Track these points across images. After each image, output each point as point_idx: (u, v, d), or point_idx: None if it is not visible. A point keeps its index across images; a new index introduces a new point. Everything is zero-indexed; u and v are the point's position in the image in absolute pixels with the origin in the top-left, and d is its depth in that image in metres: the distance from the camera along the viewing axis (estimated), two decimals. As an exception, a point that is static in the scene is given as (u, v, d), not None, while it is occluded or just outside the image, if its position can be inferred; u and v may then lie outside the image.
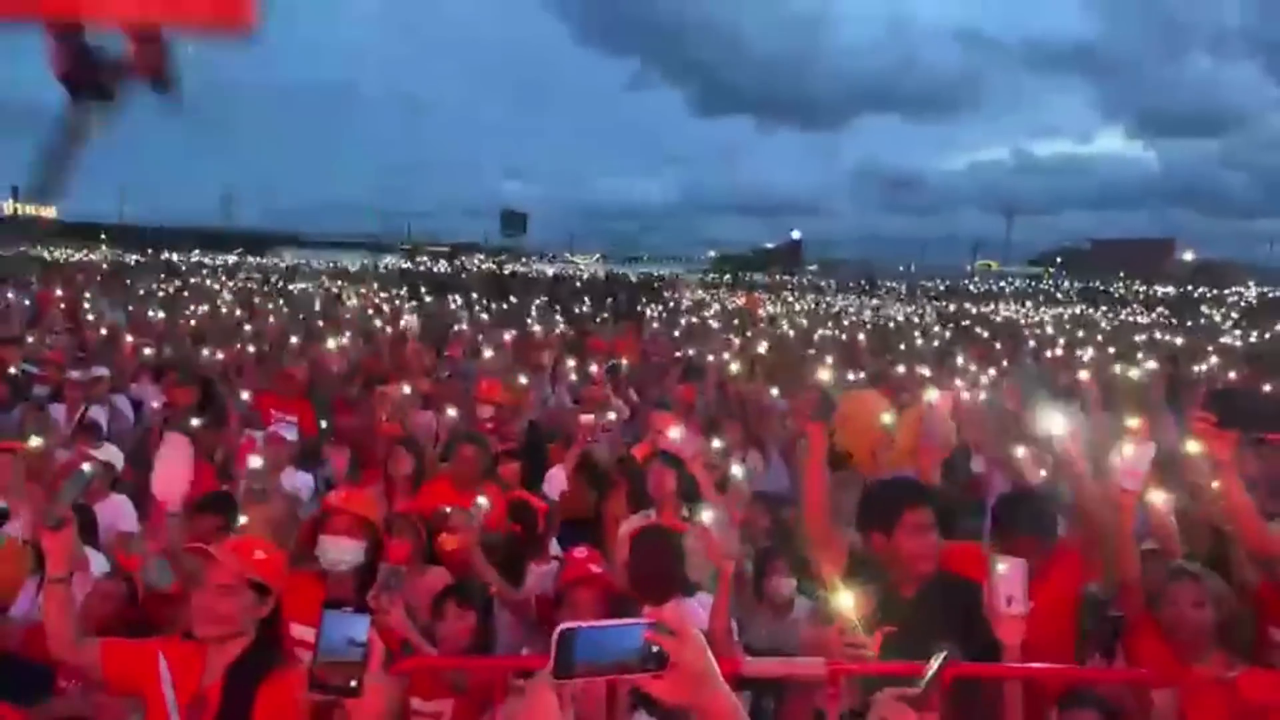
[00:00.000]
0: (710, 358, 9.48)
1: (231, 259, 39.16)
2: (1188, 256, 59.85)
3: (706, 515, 3.00)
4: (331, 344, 9.16)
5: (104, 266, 30.82)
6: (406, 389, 6.75)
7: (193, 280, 25.06)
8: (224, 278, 28.11)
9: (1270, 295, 33.45)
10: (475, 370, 8.64)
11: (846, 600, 2.51)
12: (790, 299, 33.76)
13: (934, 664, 1.76)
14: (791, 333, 15.80)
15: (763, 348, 11.08)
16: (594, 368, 8.76)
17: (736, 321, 18.54)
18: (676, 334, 14.69)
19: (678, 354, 11.08)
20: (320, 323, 12.93)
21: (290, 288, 24.53)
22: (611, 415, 6.88)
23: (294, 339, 9.56)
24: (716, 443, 5.34)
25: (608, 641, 1.31)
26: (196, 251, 40.09)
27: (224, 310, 15.01)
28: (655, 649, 1.29)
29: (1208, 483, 3.99)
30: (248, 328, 11.43)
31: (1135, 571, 3.27)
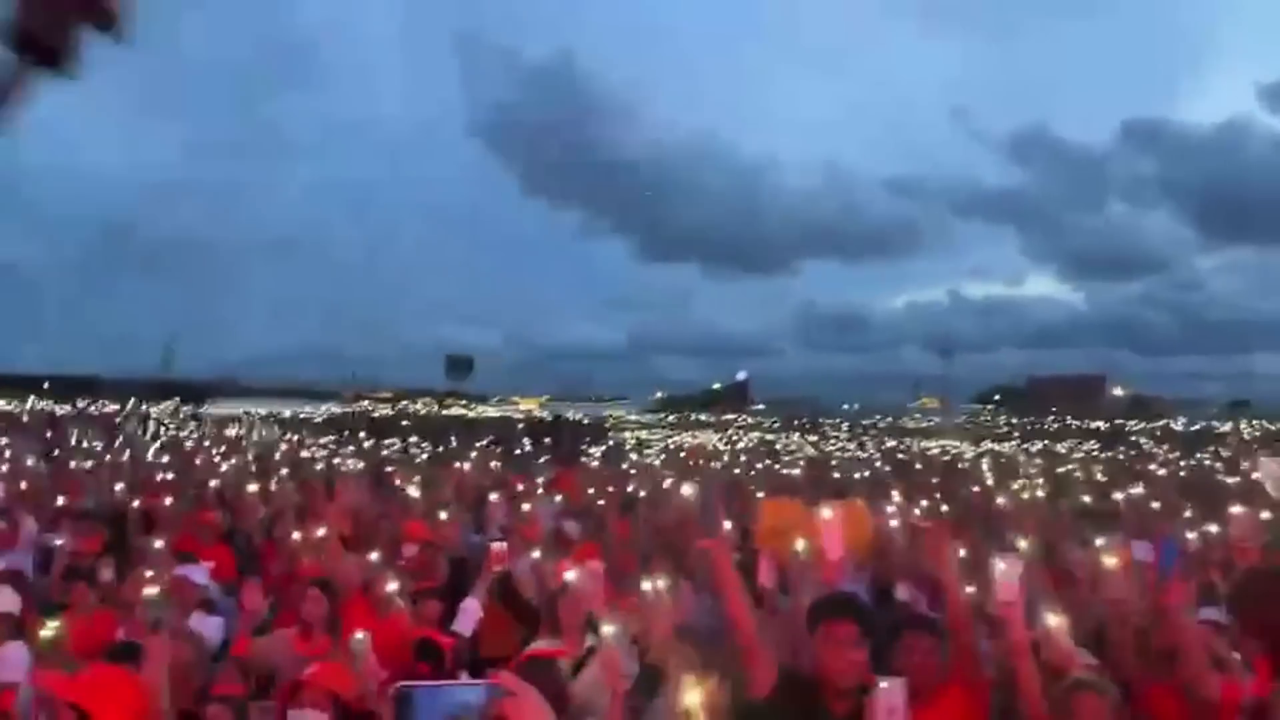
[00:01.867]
0: (643, 493, 9.45)
1: (168, 407, 38.57)
2: (1119, 392, 61.77)
3: (607, 630, 2.94)
4: (253, 488, 8.99)
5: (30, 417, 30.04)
6: (322, 531, 6.56)
7: (125, 430, 24.51)
8: (158, 426, 27.56)
9: (1195, 428, 34.52)
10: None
11: (610, 630, 2.53)
12: (735, 437, 33.98)
13: None
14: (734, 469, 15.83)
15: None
16: (527, 506, 8.64)
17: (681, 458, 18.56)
18: (618, 472, 14.64)
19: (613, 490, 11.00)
20: (249, 468, 12.69)
21: (225, 434, 24.09)
22: (536, 553, 6.76)
23: (214, 483, 9.32)
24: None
25: (448, 701, 1.27)
26: (132, 401, 39.28)
27: (149, 458, 14.67)
28: (496, 712, 1.25)
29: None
30: (169, 475, 11.24)
31: (1034, 690, 3.24)
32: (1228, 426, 33.42)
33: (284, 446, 19.00)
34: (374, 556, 5.66)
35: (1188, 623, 3.34)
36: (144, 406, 35.37)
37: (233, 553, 7.33)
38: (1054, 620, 3.69)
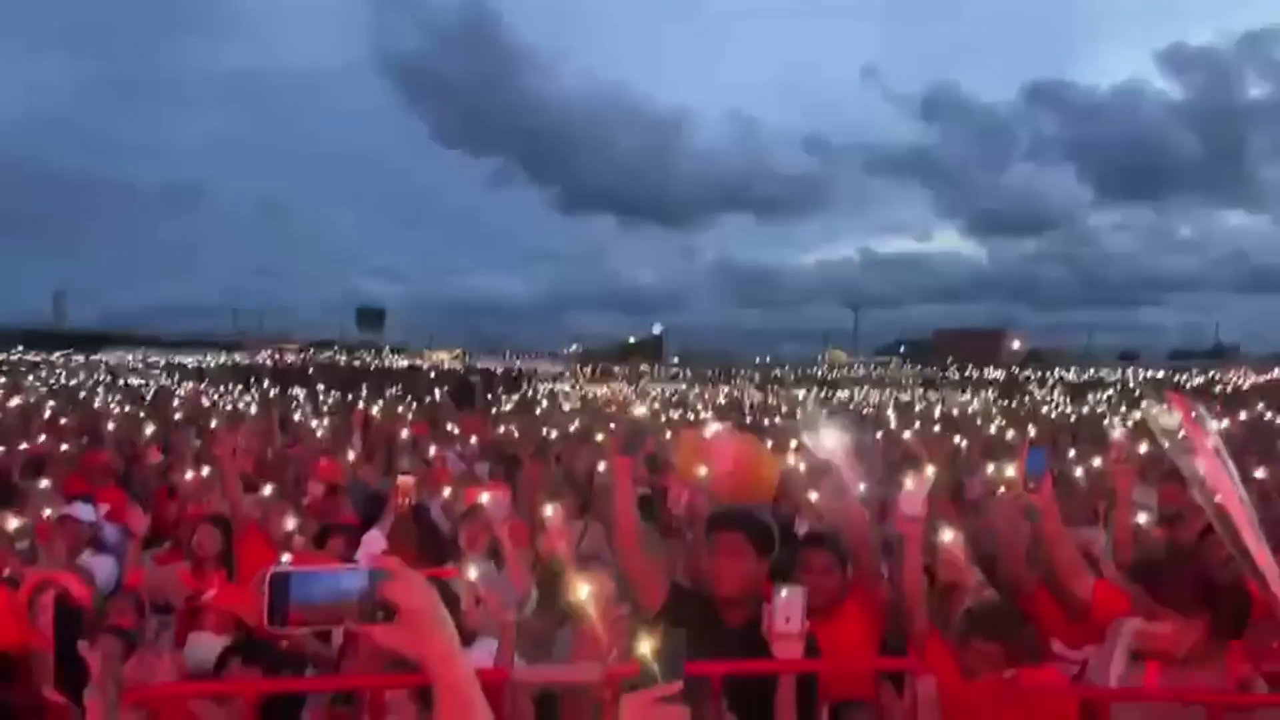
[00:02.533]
0: (554, 433, 9.47)
1: (58, 356, 36.81)
2: (1016, 345, 64.00)
3: (471, 571, 2.96)
4: (149, 432, 8.76)
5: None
6: (213, 470, 6.41)
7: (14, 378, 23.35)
8: (51, 376, 26.31)
9: (1088, 378, 36.11)
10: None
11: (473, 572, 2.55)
12: (650, 389, 34.20)
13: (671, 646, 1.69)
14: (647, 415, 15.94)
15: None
16: (433, 448, 8.58)
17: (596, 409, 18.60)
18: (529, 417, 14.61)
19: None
20: (145, 414, 12.29)
21: (121, 383, 23.17)
22: (447, 491, 6.74)
23: (110, 426, 9.00)
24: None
25: (325, 587, 1.21)
26: (20, 348, 37.38)
27: (40, 405, 14.04)
28: (380, 597, 1.20)
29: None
30: (64, 420, 10.83)
31: (918, 595, 3.40)
32: (1116, 376, 35.05)
33: (183, 393, 18.39)
34: (268, 491, 5.53)
35: (1055, 521, 3.49)
36: (35, 354, 33.64)
37: (127, 496, 7.11)
38: (949, 535, 3.84)
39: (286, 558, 3.81)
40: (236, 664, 3.20)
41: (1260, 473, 7.34)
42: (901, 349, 67.40)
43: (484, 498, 4.39)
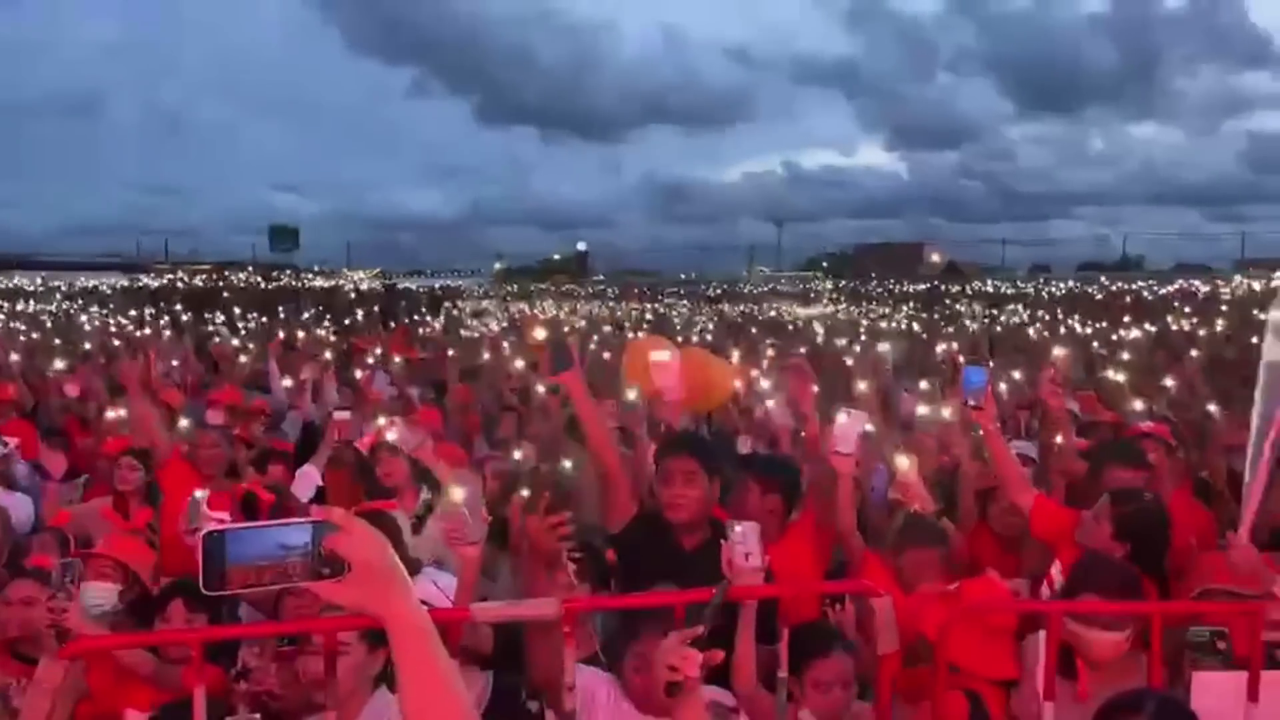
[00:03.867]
0: (486, 356, 9.34)
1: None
2: (935, 258, 65.27)
3: (457, 494, 2.86)
4: (60, 365, 8.33)
5: None
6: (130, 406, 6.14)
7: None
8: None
9: (1002, 290, 37.10)
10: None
11: (456, 494, 2.66)
12: (576, 307, 34.02)
13: (716, 598, 1.74)
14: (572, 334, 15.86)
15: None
16: (359, 372, 8.39)
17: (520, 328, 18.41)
18: (454, 339, 14.40)
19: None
20: (52, 342, 11.73)
21: (20, 309, 22.06)
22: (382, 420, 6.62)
23: (14, 357, 8.53)
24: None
25: (266, 544, 1.11)
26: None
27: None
28: (326, 551, 1.12)
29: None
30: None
31: (851, 524, 3.48)
32: (1030, 289, 36.09)
33: (91, 319, 17.60)
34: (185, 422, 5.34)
35: (998, 438, 3.57)
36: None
37: (36, 430, 6.79)
38: (905, 463, 3.89)
39: (202, 494, 3.67)
40: (179, 606, 3.09)
41: (1169, 381, 7.68)
42: (825, 264, 68.17)
43: (390, 434, 4.30)
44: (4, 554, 3.93)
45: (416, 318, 21.90)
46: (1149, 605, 2.78)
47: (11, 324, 16.23)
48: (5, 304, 23.85)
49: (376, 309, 23.83)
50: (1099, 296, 30.22)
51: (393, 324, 19.38)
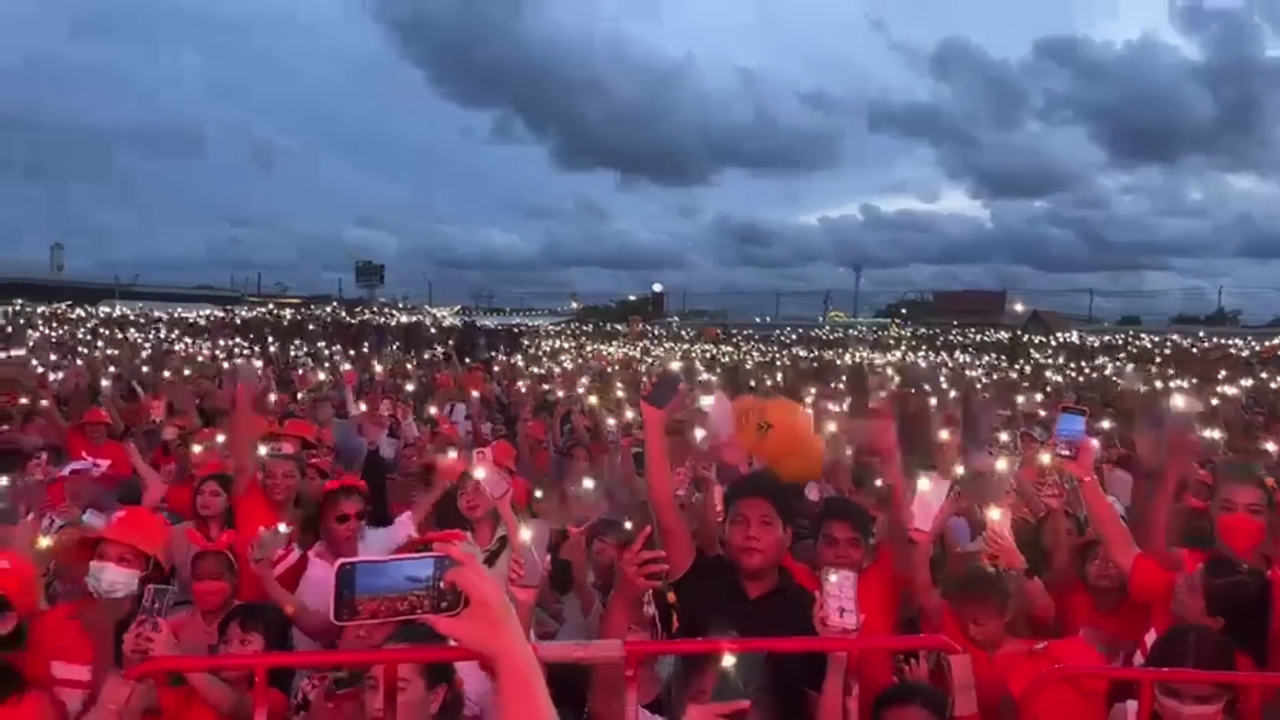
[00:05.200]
0: (561, 394, 9.40)
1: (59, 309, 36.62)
2: (1018, 307, 63.77)
3: (524, 535, 2.83)
4: (151, 390, 8.67)
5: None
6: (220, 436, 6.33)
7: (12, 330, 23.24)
8: (49, 328, 26.15)
9: (1091, 342, 35.95)
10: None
11: (524, 534, 2.64)
12: (650, 346, 34.13)
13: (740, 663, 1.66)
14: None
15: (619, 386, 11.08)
16: (433, 409, 8.52)
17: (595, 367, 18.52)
18: (531, 376, 14.55)
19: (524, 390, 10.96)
20: (145, 370, 12.22)
21: (121, 337, 23.03)
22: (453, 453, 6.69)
23: (106, 384, 8.88)
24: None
25: (395, 576, 1.17)
26: (20, 302, 37.15)
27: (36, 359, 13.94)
28: (447, 585, 1.17)
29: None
30: (58, 376, 10.75)
31: (927, 580, 3.35)
32: (1119, 340, 34.91)
33: (181, 348, 18.28)
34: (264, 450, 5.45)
35: (1097, 491, 3.39)
36: (35, 308, 33.44)
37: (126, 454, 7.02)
38: (996, 515, 3.73)
39: (274, 530, 3.76)
40: (236, 629, 3.13)
41: (1270, 445, 7.25)
42: (903, 311, 67.16)
43: (479, 473, 4.30)
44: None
45: (494, 354, 22.22)
46: (1246, 676, 2.60)
47: (109, 350, 16.92)
48: (105, 331, 24.96)
49: (453, 344, 24.24)
50: (1194, 350, 29.12)
51: (470, 360, 19.67)
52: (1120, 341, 34.42)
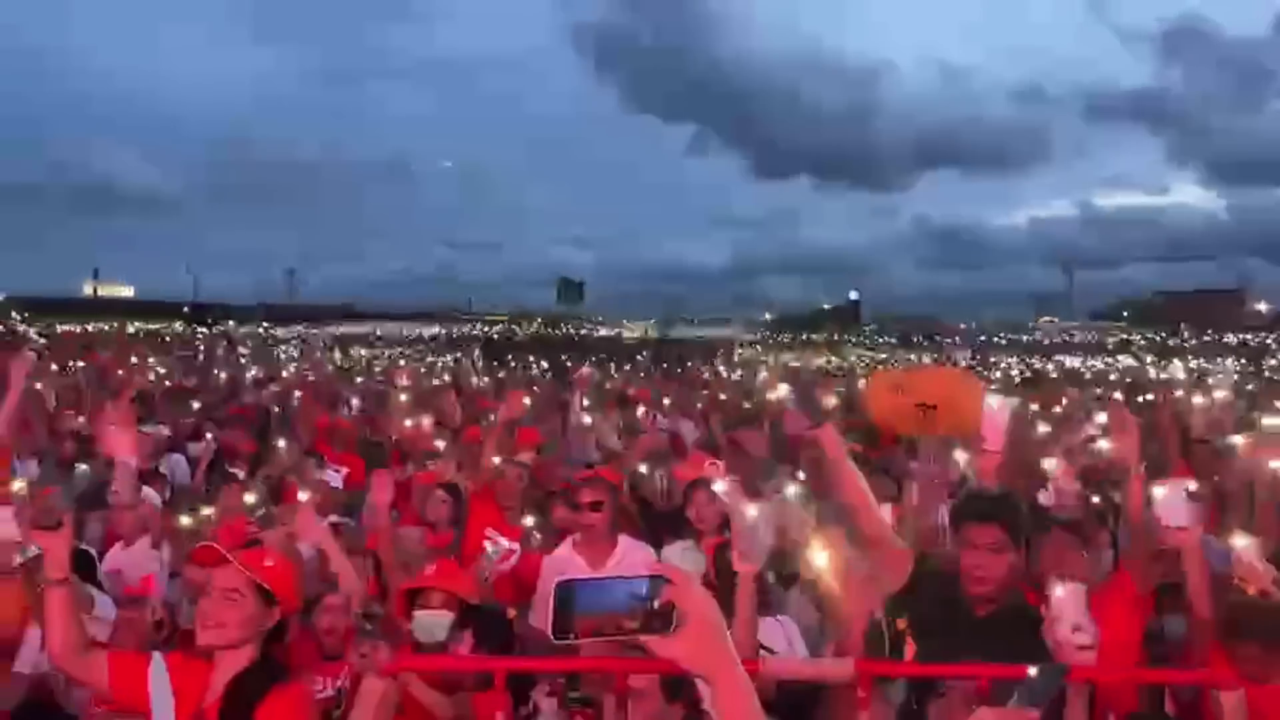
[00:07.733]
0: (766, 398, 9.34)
1: (297, 330, 40.21)
2: (1260, 307, 57.84)
3: (750, 511, 2.86)
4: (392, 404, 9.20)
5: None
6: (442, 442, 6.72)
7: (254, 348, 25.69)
8: (288, 347, 28.73)
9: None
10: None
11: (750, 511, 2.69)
12: (850, 356, 33.41)
13: (1048, 680, 1.56)
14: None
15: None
16: (640, 410, 8.68)
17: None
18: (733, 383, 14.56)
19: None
20: (379, 384, 13.12)
21: (352, 354, 25.03)
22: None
23: (354, 399, 9.59)
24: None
25: (611, 595, 1.17)
26: (264, 325, 41.11)
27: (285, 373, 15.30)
28: (661, 605, 1.16)
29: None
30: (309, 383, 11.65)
31: (1206, 608, 3.11)
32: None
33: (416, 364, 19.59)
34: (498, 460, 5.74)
35: None
36: (276, 329, 36.95)
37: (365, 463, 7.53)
38: (1243, 542, 3.42)
39: (496, 548, 3.96)
40: (468, 638, 3.27)
41: None
42: (1125, 313, 62.40)
43: (717, 486, 4.34)
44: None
45: (690, 365, 22.46)
46: None
47: (344, 366, 18.38)
48: (337, 348, 27.21)
49: (649, 356, 24.72)
50: None
51: (669, 370, 19.97)
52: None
